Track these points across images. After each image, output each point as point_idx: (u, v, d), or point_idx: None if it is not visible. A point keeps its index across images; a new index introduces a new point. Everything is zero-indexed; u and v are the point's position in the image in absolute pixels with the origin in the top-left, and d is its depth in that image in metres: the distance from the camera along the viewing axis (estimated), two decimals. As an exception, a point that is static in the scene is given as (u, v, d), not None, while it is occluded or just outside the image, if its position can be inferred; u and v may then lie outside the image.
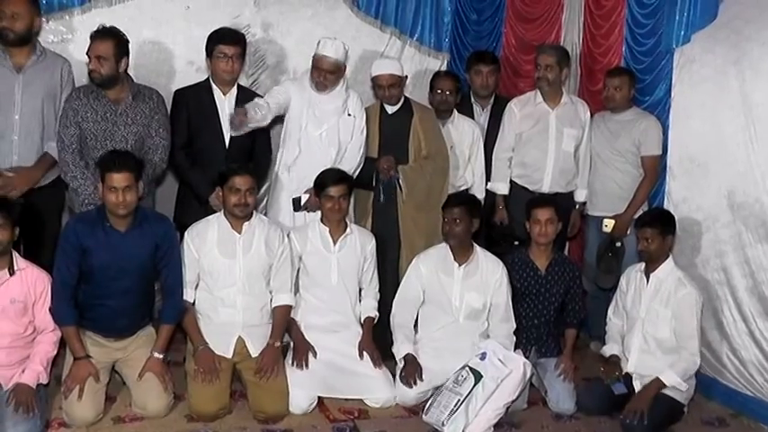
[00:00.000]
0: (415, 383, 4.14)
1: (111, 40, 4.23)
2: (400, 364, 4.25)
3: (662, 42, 4.88)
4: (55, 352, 3.95)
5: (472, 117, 5.19)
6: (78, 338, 3.91)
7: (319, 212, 4.44)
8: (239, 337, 4.13)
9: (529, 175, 5.05)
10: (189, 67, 5.13)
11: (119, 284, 3.93)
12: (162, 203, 4.64)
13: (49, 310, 3.89)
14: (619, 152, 4.94)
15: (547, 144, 5.01)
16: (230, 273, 4.13)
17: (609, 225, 4.91)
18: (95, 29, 4.25)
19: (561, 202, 4.76)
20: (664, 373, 4.07)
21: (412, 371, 4.17)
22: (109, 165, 3.82)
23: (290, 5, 5.32)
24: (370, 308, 4.44)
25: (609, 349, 4.42)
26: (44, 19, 4.78)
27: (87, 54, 4.24)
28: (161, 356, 4.03)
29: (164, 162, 4.43)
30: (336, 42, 4.56)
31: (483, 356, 4.05)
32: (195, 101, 4.53)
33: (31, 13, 4.33)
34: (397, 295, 4.41)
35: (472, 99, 5.26)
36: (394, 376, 4.26)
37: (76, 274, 3.89)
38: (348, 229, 4.38)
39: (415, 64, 5.56)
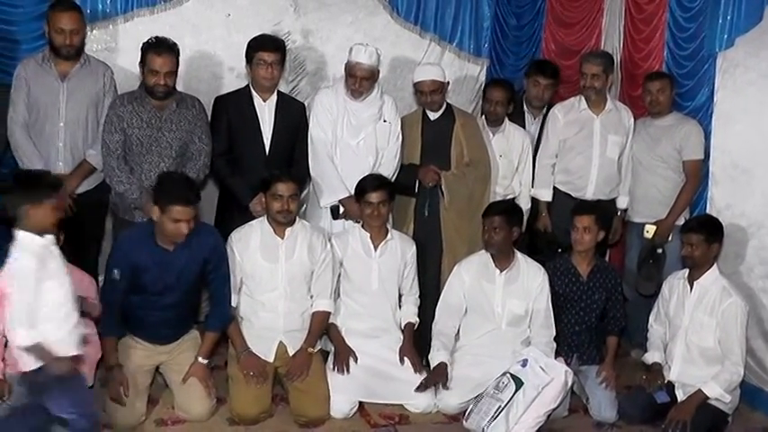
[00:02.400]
0: (437, 389, 4.17)
1: (175, 56, 4.30)
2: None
3: (704, 46, 4.84)
4: (100, 355, 4.01)
5: (523, 124, 5.17)
6: (114, 350, 3.95)
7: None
8: (280, 341, 4.16)
9: (572, 182, 5.01)
10: (229, 74, 5.19)
11: (166, 299, 3.97)
12: (202, 209, 4.66)
13: (95, 322, 3.95)
14: (660, 157, 4.89)
15: (591, 151, 4.97)
16: (272, 277, 4.15)
17: (650, 231, 4.86)
18: (153, 42, 4.28)
19: (604, 209, 4.72)
20: (707, 385, 4.02)
21: (435, 378, 4.17)
22: (176, 197, 3.75)
23: (330, 12, 5.35)
24: (410, 314, 4.43)
25: (651, 357, 4.38)
26: (88, 27, 4.85)
27: (147, 67, 4.27)
28: (205, 362, 4.07)
29: (206, 168, 4.47)
30: (369, 48, 4.56)
31: (524, 363, 4.03)
32: (235, 107, 4.56)
33: (84, 27, 4.42)
34: (439, 303, 4.40)
35: (525, 107, 5.24)
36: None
37: (125, 289, 3.92)
38: (389, 235, 4.38)
39: (455, 70, 5.56)
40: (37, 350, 3.15)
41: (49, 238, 3.24)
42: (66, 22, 4.32)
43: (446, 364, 4.22)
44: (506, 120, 5.02)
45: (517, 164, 5.02)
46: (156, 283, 3.91)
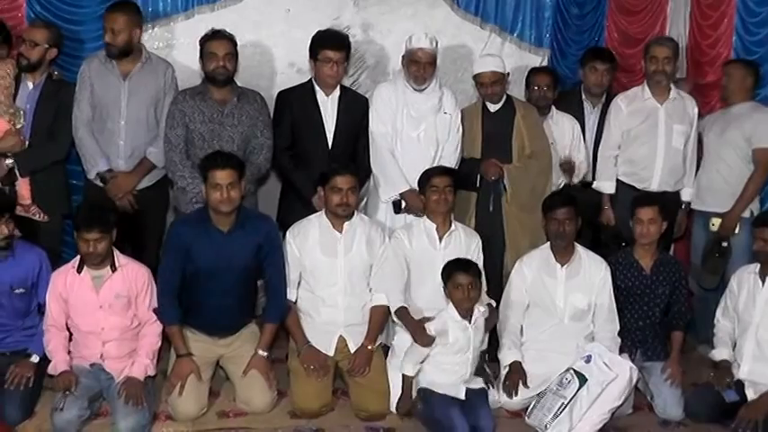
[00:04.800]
0: (517, 394, 4.08)
1: (232, 42, 4.38)
2: (504, 371, 4.19)
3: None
4: (159, 343, 4.08)
5: (582, 115, 5.09)
6: (181, 337, 4.02)
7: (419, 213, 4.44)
8: (341, 335, 4.16)
9: (637, 173, 4.91)
10: (290, 69, 5.24)
11: (222, 284, 4.01)
12: (264, 203, 4.72)
13: (154, 310, 4.02)
14: (728, 143, 4.77)
15: (656, 141, 4.85)
16: (331, 272, 4.16)
17: (716, 224, 4.75)
18: (210, 33, 4.38)
19: (668, 201, 4.63)
20: (779, 384, 3.92)
21: (516, 380, 4.10)
22: (212, 163, 3.92)
23: (390, 5, 5.35)
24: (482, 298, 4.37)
25: (718, 354, 4.27)
26: (150, 26, 4.97)
27: (206, 54, 4.35)
28: (265, 354, 4.10)
29: (268, 162, 4.51)
30: (429, 34, 4.57)
31: (588, 359, 3.97)
32: (298, 102, 4.58)
33: (130, 27, 4.45)
34: (502, 300, 4.34)
35: (583, 96, 5.15)
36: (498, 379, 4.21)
37: (181, 274, 4.00)
38: (453, 226, 4.32)
39: (515, 60, 5.49)
40: None
41: None
42: (112, 22, 4.41)
43: (520, 363, 4.16)
44: (553, 107, 4.97)
45: (568, 151, 4.96)
46: (210, 265, 3.97)
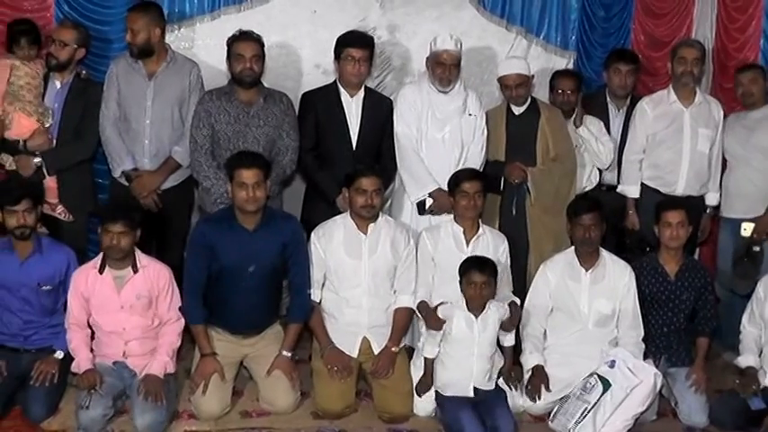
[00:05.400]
0: (540, 398, 4.07)
1: (259, 44, 4.39)
2: (527, 376, 4.18)
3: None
4: (179, 342, 4.10)
5: (607, 117, 5.06)
6: (206, 336, 4.04)
7: (445, 214, 4.44)
8: (364, 337, 4.17)
9: (662, 177, 4.88)
10: (315, 70, 5.25)
11: (246, 283, 4.02)
12: (289, 204, 4.73)
13: (179, 309, 4.05)
14: (756, 148, 4.74)
15: (681, 145, 4.82)
16: (356, 273, 4.16)
17: (748, 229, 4.71)
18: (237, 34, 4.39)
19: (693, 206, 4.60)
20: (807, 393, 3.89)
21: (538, 384, 4.09)
22: (238, 162, 3.94)
23: (416, 7, 5.35)
24: (505, 297, 4.29)
25: (744, 360, 4.23)
26: (175, 26, 5.00)
27: (233, 55, 4.36)
28: (289, 354, 4.11)
29: (293, 163, 4.52)
30: (454, 36, 4.58)
31: (612, 364, 3.95)
32: (323, 103, 4.58)
33: (150, 27, 4.47)
34: (525, 304, 4.32)
35: (608, 99, 5.13)
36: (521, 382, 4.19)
37: (206, 273, 4.01)
38: (480, 230, 4.31)
39: (541, 63, 5.48)
40: None
41: None
42: (131, 22, 4.46)
43: (542, 366, 4.15)
44: (577, 110, 4.92)
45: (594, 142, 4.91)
46: (235, 264, 3.98)
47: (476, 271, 3.93)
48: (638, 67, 5.15)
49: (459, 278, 4.00)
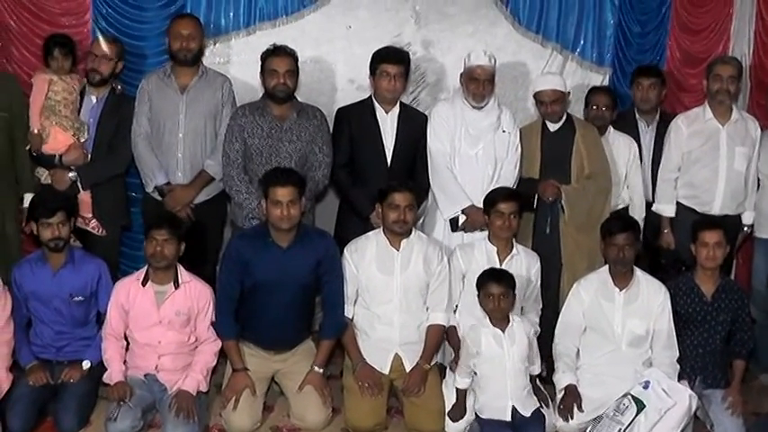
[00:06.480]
0: (572, 418, 4.02)
1: (293, 59, 4.41)
2: (560, 395, 4.13)
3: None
4: (215, 362, 4.12)
5: (637, 134, 5.02)
6: (238, 352, 4.05)
7: (478, 231, 4.43)
8: (396, 353, 4.15)
9: (698, 196, 4.82)
10: (350, 86, 5.25)
11: (279, 299, 4.03)
12: (322, 219, 4.73)
13: (212, 323, 4.06)
14: None
15: (717, 163, 4.77)
16: (387, 289, 4.14)
17: (782, 249, 4.65)
18: (271, 48, 4.41)
19: (729, 225, 4.54)
20: None
21: (570, 403, 4.04)
22: (273, 179, 3.94)
23: (451, 23, 5.34)
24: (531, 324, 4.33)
25: (781, 383, 4.18)
26: (211, 41, 5.04)
27: (267, 71, 4.38)
28: (321, 371, 4.11)
29: (326, 179, 4.52)
30: (488, 51, 4.58)
31: (646, 385, 3.89)
32: (358, 119, 4.58)
33: (201, 34, 4.56)
34: (558, 322, 4.29)
35: (636, 115, 5.09)
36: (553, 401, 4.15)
37: (239, 289, 4.02)
38: (514, 250, 4.29)
39: (577, 79, 5.44)
40: None
41: None
42: (183, 27, 4.50)
43: (575, 386, 4.10)
44: (611, 127, 4.91)
45: (625, 172, 4.88)
46: (268, 281, 3.98)
47: (492, 282, 3.91)
48: (663, 80, 5.11)
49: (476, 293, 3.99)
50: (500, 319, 3.93)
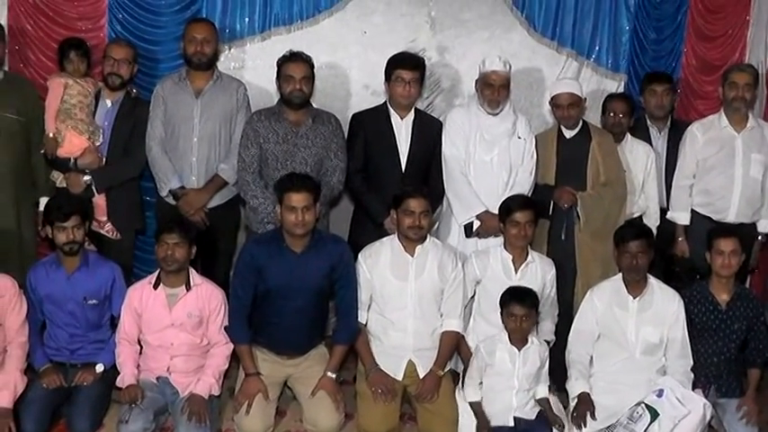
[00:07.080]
0: (585, 425, 3.99)
1: (309, 65, 4.42)
2: (573, 403, 4.11)
3: None
4: (227, 366, 4.13)
5: (649, 141, 5.00)
6: (250, 356, 4.05)
7: (492, 237, 4.43)
8: (410, 360, 4.14)
9: (713, 204, 4.81)
10: (364, 91, 5.26)
11: (293, 304, 4.03)
12: (336, 225, 4.73)
13: (225, 328, 4.07)
14: None
15: (733, 170, 4.75)
16: (401, 295, 4.14)
17: (797, 258, 4.62)
18: (288, 54, 4.43)
19: (744, 233, 4.51)
20: None
21: (584, 411, 4.01)
22: (288, 185, 3.94)
23: (466, 29, 5.33)
24: (547, 331, 4.33)
25: (797, 392, 4.15)
26: (226, 47, 5.06)
27: (283, 76, 4.39)
28: (334, 376, 4.10)
29: (341, 184, 4.52)
30: (503, 57, 4.57)
31: (660, 394, 3.88)
32: (372, 125, 4.58)
33: (216, 39, 4.58)
34: (571, 330, 4.27)
35: (648, 122, 5.07)
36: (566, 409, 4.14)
37: (252, 294, 4.03)
38: (530, 257, 4.28)
39: (592, 85, 5.44)
40: None
41: None
42: (198, 32, 4.52)
43: (588, 394, 4.08)
44: (628, 134, 4.89)
45: (642, 179, 4.87)
46: (282, 286, 3.98)
47: (516, 303, 3.90)
48: (674, 87, 5.11)
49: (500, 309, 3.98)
50: (519, 339, 3.93)
